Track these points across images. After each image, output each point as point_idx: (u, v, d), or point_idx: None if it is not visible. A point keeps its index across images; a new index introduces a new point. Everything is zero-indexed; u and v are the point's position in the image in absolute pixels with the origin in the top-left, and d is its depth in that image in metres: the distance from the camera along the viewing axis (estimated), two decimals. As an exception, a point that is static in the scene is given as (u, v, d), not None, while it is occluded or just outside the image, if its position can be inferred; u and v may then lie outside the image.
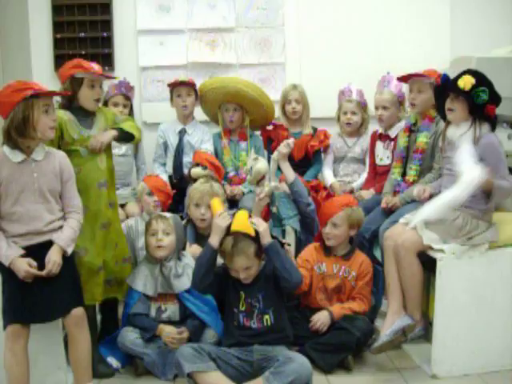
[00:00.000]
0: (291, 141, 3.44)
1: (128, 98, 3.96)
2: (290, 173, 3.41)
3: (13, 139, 2.48)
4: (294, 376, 2.50)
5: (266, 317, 2.71)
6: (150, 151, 4.12)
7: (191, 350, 2.62)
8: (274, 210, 3.44)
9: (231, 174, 3.95)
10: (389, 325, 2.86)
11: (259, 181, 3.40)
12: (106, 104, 3.87)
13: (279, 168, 3.46)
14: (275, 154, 3.43)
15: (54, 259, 2.49)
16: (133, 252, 3.36)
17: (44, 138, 2.55)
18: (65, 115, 2.86)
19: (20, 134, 2.47)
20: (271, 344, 2.68)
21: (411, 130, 3.45)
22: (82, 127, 2.90)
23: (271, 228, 3.34)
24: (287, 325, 2.78)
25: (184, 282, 2.95)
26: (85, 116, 2.94)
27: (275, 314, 2.71)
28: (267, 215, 3.49)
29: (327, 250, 3.13)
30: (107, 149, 2.98)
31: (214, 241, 2.69)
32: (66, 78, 2.89)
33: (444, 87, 2.88)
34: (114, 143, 3.80)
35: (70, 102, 2.91)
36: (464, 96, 2.78)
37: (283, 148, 3.40)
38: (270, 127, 4.11)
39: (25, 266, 2.43)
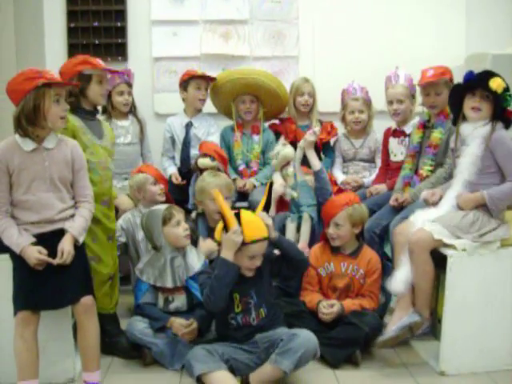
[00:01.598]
0: (317, 129, 3.45)
1: (131, 86, 3.93)
2: (316, 161, 3.38)
3: (23, 127, 2.48)
4: (302, 350, 2.49)
5: (261, 310, 2.68)
6: (161, 142, 4.12)
7: (204, 351, 2.58)
8: (295, 195, 3.43)
9: (241, 167, 3.95)
10: (396, 320, 2.85)
11: (284, 166, 3.45)
12: (109, 95, 3.83)
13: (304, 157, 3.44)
14: (301, 142, 3.42)
15: (67, 249, 2.50)
16: (133, 244, 3.37)
17: (54, 127, 2.55)
18: (76, 121, 2.88)
19: (30, 123, 2.48)
20: (270, 329, 2.67)
21: (425, 126, 3.43)
22: (92, 135, 2.93)
23: (288, 214, 3.44)
24: (277, 307, 2.79)
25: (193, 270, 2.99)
26: (90, 120, 2.96)
27: (268, 305, 2.70)
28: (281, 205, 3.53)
29: (334, 249, 3.12)
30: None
31: (229, 257, 2.58)
32: (72, 75, 2.87)
33: (467, 85, 2.86)
34: (119, 131, 3.83)
35: (78, 101, 2.91)
36: (494, 98, 2.78)
37: (309, 136, 3.39)
38: (276, 121, 4.12)
39: (36, 254, 2.44)
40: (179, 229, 2.98)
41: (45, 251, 2.47)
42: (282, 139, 3.65)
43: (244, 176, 3.91)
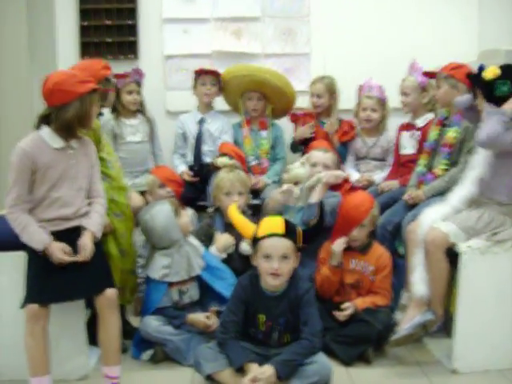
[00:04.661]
0: (342, 176, 3.38)
1: (140, 85, 3.92)
2: (317, 197, 3.26)
3: (73, 129, 2.52)
4: (316, 378, 2.50)
5: (286, 335, 2.65)
6: (172, 140, 4.13)
7: (211, 350, 2.61)
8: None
9: (252, 163, 3.96)
10: (409, 319, 2.84)
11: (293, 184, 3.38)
12: (118, 93, 3.80)
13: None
14: (323, 175, 3.31)
15: (90, 245, 2.52)
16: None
17: (91, 128, 2.64)
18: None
19: (81, 125, 2.52)
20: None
21: (443, 123, 3.41)
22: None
23: None
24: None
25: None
26: None
27: (295, 333, 2.64)
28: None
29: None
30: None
31: None
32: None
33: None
34: (128, 130, 3.84)
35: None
36: (482, 86, 2.75)
37: (332, 178, 3.31)
38: (300, 111, 4.11)
39: (60, 252, 2.46)
40: (185, 216, 3.03)
41: (68, 248, 2.49)
42: (304, 157, 3.51)
43: (255, 172, 3.92)
